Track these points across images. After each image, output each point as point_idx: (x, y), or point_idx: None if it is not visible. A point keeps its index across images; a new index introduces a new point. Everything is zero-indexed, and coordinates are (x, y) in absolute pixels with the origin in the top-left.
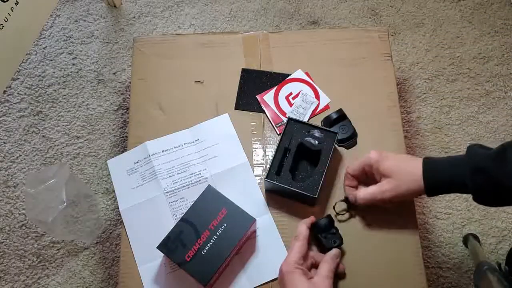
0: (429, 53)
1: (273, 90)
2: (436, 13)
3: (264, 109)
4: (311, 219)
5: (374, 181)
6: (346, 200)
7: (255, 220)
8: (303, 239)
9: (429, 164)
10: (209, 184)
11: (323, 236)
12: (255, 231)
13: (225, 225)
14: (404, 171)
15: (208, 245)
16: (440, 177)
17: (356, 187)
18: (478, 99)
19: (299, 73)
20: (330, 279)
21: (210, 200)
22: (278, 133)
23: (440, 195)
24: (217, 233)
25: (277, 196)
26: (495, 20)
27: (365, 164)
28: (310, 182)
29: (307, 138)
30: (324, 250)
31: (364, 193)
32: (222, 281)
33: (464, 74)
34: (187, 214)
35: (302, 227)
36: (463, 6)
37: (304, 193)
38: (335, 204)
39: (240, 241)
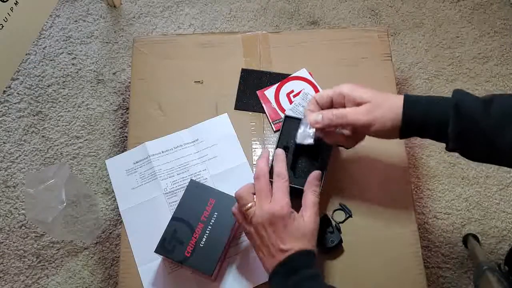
0: (429, 53)
1: (275, 86)
2: (435, 13)
3: (263, 105)
4: (266, 153)
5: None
6: (342, 208)
7: None
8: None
9: (411, 98)
10: (191, 179)
11: (321, 236)
12: None
13: (217, 213)
14: (382, 100)
15: (205, 236)
16: (421, 110)
17: None
18: None
19: (303, 72)
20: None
21: (196, 194)
22: (275, 129)
23: (413, 137)
24: (211, 223)
25: None
26: (495, 20)
27: (336, 93)
28: None
29: None
30: (322, 250)
31: (334, 111)
32: (223, 280)
33: (464, 74)
34: (177, 212)
35: (263, 162)
36: (463, 6)
37: None
38: (333, 213)
39: (235, 225)
